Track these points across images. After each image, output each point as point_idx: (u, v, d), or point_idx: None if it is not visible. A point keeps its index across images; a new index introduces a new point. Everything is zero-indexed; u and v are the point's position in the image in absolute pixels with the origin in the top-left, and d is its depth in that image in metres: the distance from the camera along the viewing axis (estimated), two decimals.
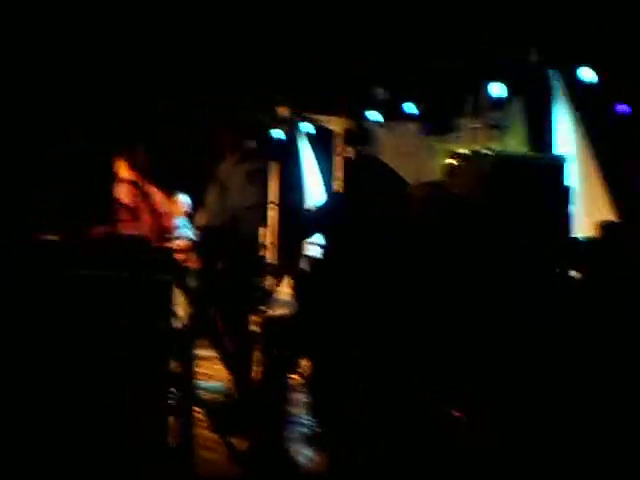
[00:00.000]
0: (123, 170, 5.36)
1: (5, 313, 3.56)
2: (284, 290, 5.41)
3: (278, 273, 5.26)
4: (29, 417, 3.50)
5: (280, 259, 6.03)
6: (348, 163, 4.59)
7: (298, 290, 4.01)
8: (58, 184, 5.92)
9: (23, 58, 6.22)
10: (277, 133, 7.04)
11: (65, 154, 6.10)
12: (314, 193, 7.25)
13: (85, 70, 6.20)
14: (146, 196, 5.34)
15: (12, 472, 3.35)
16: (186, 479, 3.56)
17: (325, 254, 3.93)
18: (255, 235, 4.93)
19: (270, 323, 4.48)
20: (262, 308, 4.90)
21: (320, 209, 4.17)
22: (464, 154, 4.37)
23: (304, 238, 4.50)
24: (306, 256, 4.45)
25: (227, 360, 4.47)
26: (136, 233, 4.76)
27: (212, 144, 4.64)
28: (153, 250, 4.13)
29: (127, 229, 4.94)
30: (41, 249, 3.88)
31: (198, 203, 5.23)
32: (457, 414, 3.51)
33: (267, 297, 5.16)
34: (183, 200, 6.52)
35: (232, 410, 4.26)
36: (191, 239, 5.54)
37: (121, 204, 5.25)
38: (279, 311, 5.00)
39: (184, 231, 5.98)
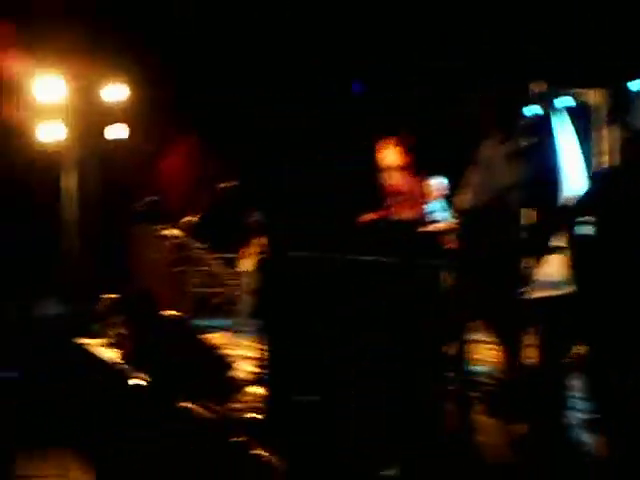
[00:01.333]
0: (392, 155, 5.49)
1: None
2: (545, 271, 5.25)
3: (539, 253, 5.10)
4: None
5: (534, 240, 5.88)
6: (624, 138, 4.35)
7: (575, 271, 3.87)
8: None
9: None
10: (532, 110, 6.86)
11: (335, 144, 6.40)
12: (571, 171, 6.95)
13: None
14: (410, 181, 5.44)
15: None
16: (462, 463, 3.59)
17: (600, 233, 3.77)
18: (517, 216, 4.82)
19: (538, 305, 4.38)
20: (525, 290, 4.80)
21: (591, 187, 4.00)
22: None
23: (573, 217, 4.34)
24: (577, 235, 4.28)
25: (502, 343, 4.42)
26: (402, 218, 4.87)
27: (476, 124, 4.62)
28: (420, 234, 4.20)
29: (394, 214, 5.06)
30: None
31: (457, 185, 5.23)
32: None
33: (528, 279, 5.04)
34: (438, 183, 6.55)
35: (506, 394, 4.23)
36: (449, 221, 5.55)
37: (389, 189, 5.39)
38: (542, 293, 4.86)
39: (441, 214, 6.02)
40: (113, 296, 8.59)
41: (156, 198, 9.58)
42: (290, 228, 3.97)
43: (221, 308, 11.00)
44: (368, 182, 5.42)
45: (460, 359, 3.61)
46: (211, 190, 7.57)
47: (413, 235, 4.00)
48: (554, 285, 5.38)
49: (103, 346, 7.97)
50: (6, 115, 9.88)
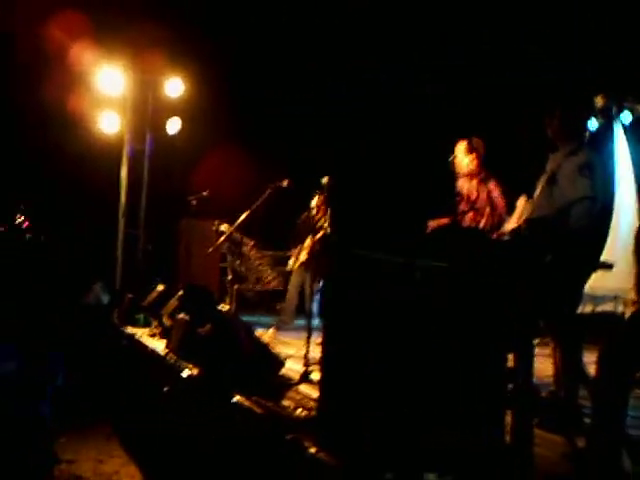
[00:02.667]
0: (466, 161, 5.48)
1: None
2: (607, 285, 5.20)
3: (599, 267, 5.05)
4: None
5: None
6: None
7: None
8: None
9: None
10: (592, 124, 6.82)
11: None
12: (623, 185, 6.90)
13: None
14: (486, 189, 5.41)
15: None
16: (522, 475, 3.56)
17: None
18: (582, 229, 4.77)
19: (598, 320, 4.35)
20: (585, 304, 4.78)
21: None
22: None
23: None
24: None
25: (560, 356, 4.40)
26: (474, 226, 4.86)
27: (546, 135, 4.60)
28: (491, 244, 4.17)
29: (466, 221, 5.06)
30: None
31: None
32: None
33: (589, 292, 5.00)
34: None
35: (562, 407, 4.21)
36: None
37: (462, 196, 5.39)
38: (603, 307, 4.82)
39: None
40: (161, 287, 8.73)
41: (206, 193, 9.69)
42: (357, 227, 3.99)
43: (264, 304, 11.12)
44: (442, 187, 5.44)
45: (521, 371, 3.59)
46: (265, 188, 7.62)
47: (482, 245, 3.98)
48: (614, 299, 5.33)
49: (149, 335, 8.12)
50: (70, 104, 10.11)
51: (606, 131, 7.08)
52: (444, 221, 5.04)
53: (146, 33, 10.27)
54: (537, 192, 4.52)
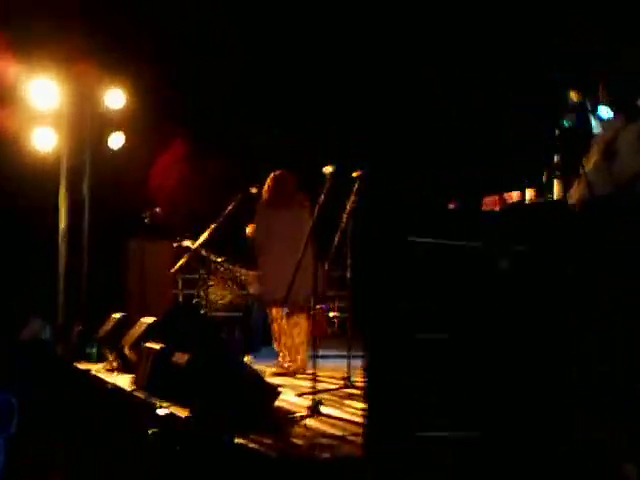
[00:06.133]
0: None
1: None
2: None
3: None
4: None
5: None
6: None
7: None
8: None
9: None
10: None
11: None
12: None
13: None
14: None
15: None
16: None
17: None
18: None
19: None
20: None
21: None
22: None
23: None
24: None
25: None
26: None
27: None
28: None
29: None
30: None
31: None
32: None
33: None
34: None
35: None
36: None
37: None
38: None
39: None
40: (118, 316, 7.83)
41: (159, 210, 8.83)
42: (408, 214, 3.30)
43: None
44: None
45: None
46: (231, 197, 6.87)
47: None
48: None
49: (106, 371, 7.23)
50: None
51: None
52: (494, 199, 4.40)
53: (80, 39, 9.41)
54: (589, 168, 3.88)
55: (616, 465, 2.97)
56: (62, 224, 9.65)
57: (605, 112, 7.00)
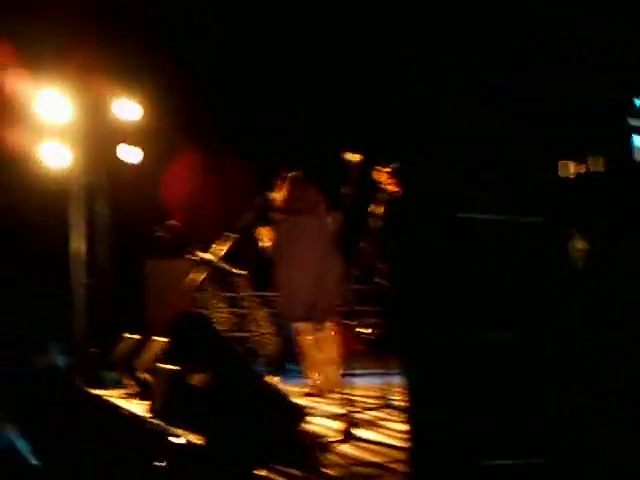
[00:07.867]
0: None
1: None
2: None
3: None
4: None
5: None
6: None
7: None
8: None
9: None
10: None
11: None
12: None
13: None
14: None
15: None
16: None
17: None
18: None
19: None
20: None
21: None
22: None
23: None
24: None
25: None
26: None
27: None
28: None
29: None
30: None
31: None
32: None
33: None
34: None
35: None
36: None
37: None
38: None
39: None
40: (131, 336, 7.36)
41: (174, 222, 8.35)
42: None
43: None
44: None
45: None
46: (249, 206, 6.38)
47: None
48: None
49: (125, 397, 6.79)
50: (6, 138, 8.74)
51: None
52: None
53: (92, 50, 9.03)
54: None
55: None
56: (75, 243, 9.19)
57: None
